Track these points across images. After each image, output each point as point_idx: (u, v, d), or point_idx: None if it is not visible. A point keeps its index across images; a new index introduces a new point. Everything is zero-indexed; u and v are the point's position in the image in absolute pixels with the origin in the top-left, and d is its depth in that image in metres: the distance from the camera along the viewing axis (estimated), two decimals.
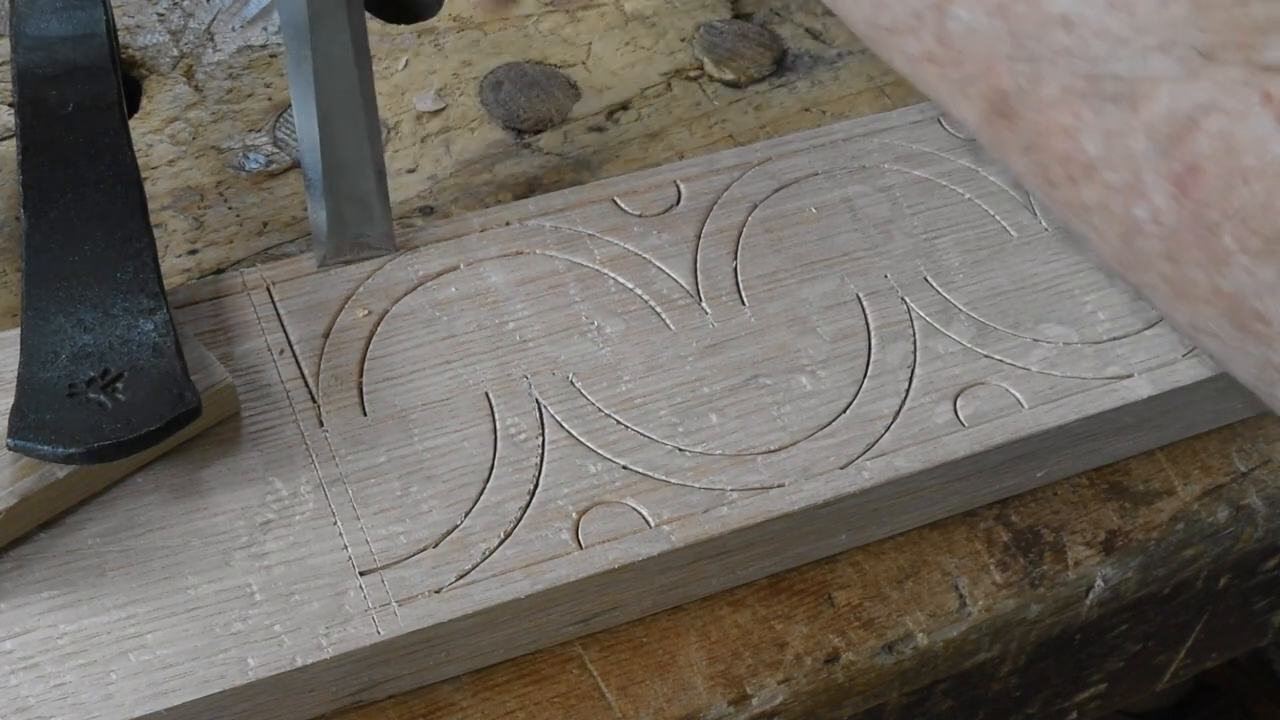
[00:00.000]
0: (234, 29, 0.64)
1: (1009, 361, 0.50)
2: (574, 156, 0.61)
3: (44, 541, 0.44)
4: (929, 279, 0.52)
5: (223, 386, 0.46)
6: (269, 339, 0.49)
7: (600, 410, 0.48)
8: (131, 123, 0.58)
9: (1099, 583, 0.50)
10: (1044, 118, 0.36)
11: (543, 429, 0.47)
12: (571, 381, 0.49)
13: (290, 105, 0.61)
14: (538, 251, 0.52)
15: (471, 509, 0.45)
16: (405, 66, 0.64)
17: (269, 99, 0.62)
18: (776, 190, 0.55)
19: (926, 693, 0.50)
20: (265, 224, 0.57)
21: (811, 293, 0.52)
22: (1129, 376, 0.50)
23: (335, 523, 0.45)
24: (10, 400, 0.44)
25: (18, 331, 0.46)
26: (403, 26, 0.64)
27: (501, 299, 0.51)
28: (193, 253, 0.56)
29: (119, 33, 0.61)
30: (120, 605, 0.43)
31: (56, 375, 0.44)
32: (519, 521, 0.45)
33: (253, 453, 0.46)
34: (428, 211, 0.58)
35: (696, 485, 0.46)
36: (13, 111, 0.58)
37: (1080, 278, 0.53)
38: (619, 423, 0.48)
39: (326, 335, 0.49)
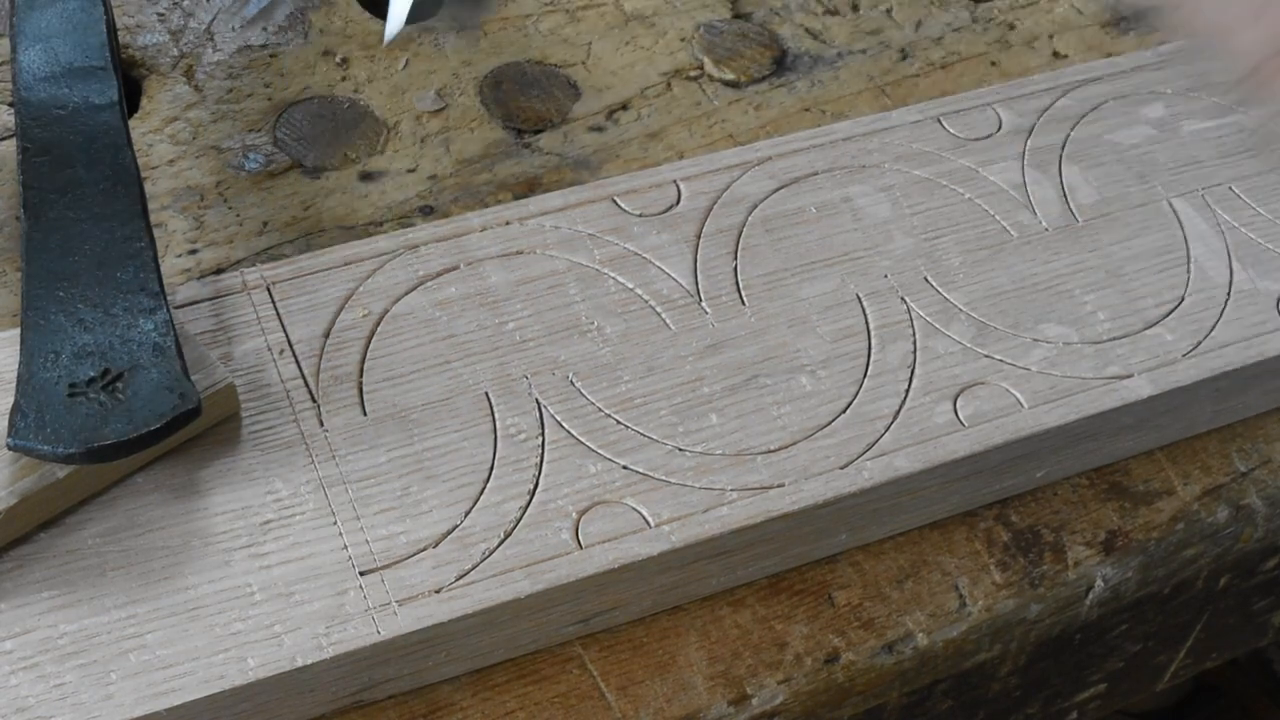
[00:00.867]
0: (234, 29, 0.64)
1: (1009, 361, 0.50)
2: (574, 156, 0.61)
3: (44, 541, 0.44)
4: (929, 279, 0.52)
5: (223, 386, 0.46)
6: (269, 339, 0.49)
7: (600, 410, 0.48)
8: (131, 123, 0.58)
9: (1099, 583, 0.50)
10: None
11: (543, 429, 0.47)
12: (571, 381, 0.49)
13: (289, 105, 0.61)
14: (538, 251, 0.52)
15: (471, 509, 0.45)
16: (405, 66, 0.64)
17: (269, 99, 0.62)
18: (776, 190, 0.55)
19: (926, 693, 0.50)
20: (265, 224, 0.57)
21: (811, 292, 0.52)
22: (1129, 376, 0.50)
23: (335, 523, 0.45)
24: (10, 400, 0.44)
25: (18, 331, 0.46)
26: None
27: (501, 299, 0.51)
28: (193, 253, 0.56)
29: (119, 33, 0.61)
30: (120, 605, 0.43)
31: (56, 375, 0.44)
32: (519, 521, 0.45)
33: (253, 453, 0.46)
34: (428, 211, 0.58)
35: (696, 485, 0.46)
36: (12, 111, 0.58)
37: (1080, 278, 0.53)
38: (619, 423, 0.48)
39: (326, 335, 0.49)
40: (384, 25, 0.62)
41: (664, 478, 0.47)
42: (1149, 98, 0.60)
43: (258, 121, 0.61)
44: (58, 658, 0.42)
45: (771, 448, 0.48)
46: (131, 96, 0.61)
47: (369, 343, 0.49)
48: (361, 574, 0.44)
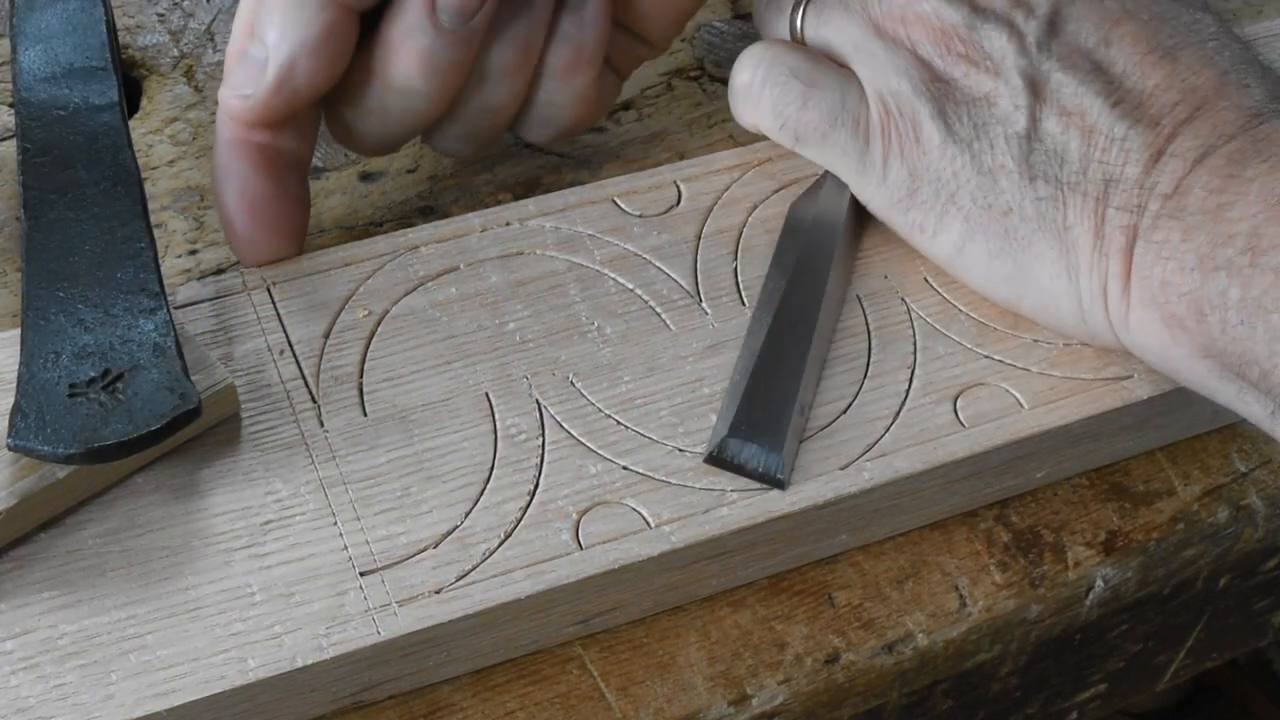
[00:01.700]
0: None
1: (1009, 362, 0.50)
2: (574, 156, 0.61)
3: (44, 541, 0.44)
4: (929, 279, 0.52)
5: (223, 387, 0.46)
6: (269, 339, 0.49)
7: (600, 410, 0.48)
8: (131, 123, 0.58)
9: (1099, 583, 0.50)
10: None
11: (543, 429, 0.47)
12: (571, 382, 0.49)
13: None
14: (538, 252, 0.52)
15: (472, 509, 0.45)
16: None
17: None
18: (777, 190, 0.55)
19: (926, 693, 0.50)
20: None
21: None
22: (1129, 377, 0.50)
23: (335, 523, 0.45)
24: (10, 400, 0.44)
25: (18, 331, 0.46)
26: None
27: (502, 299, 0.51)
28: (193, 253, 0.56)
29: (119, 33, 0.61)
30: (120, 606, 0.43)
31: (57, 375, 0.44)
32: (519, 522, 0.45)
33: (253, 453, 0.46)
34: (428, 211, 0.58)
35: (697, 486, 0.46)
36: (13, 111, 0.58)
37: None
38: (619, 423, 0.48)
39: (327, 335, 0.49)
40: None
41: (664, 478, 0.47)
42: None
43: None
44: (58, 658, 0.42)
45: None
46: (132, 97, 0.61)
47: (369, 343, 0.49)
48: (362, 574, 0.44)
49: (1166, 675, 0.61)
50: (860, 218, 0.53)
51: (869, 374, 0.50)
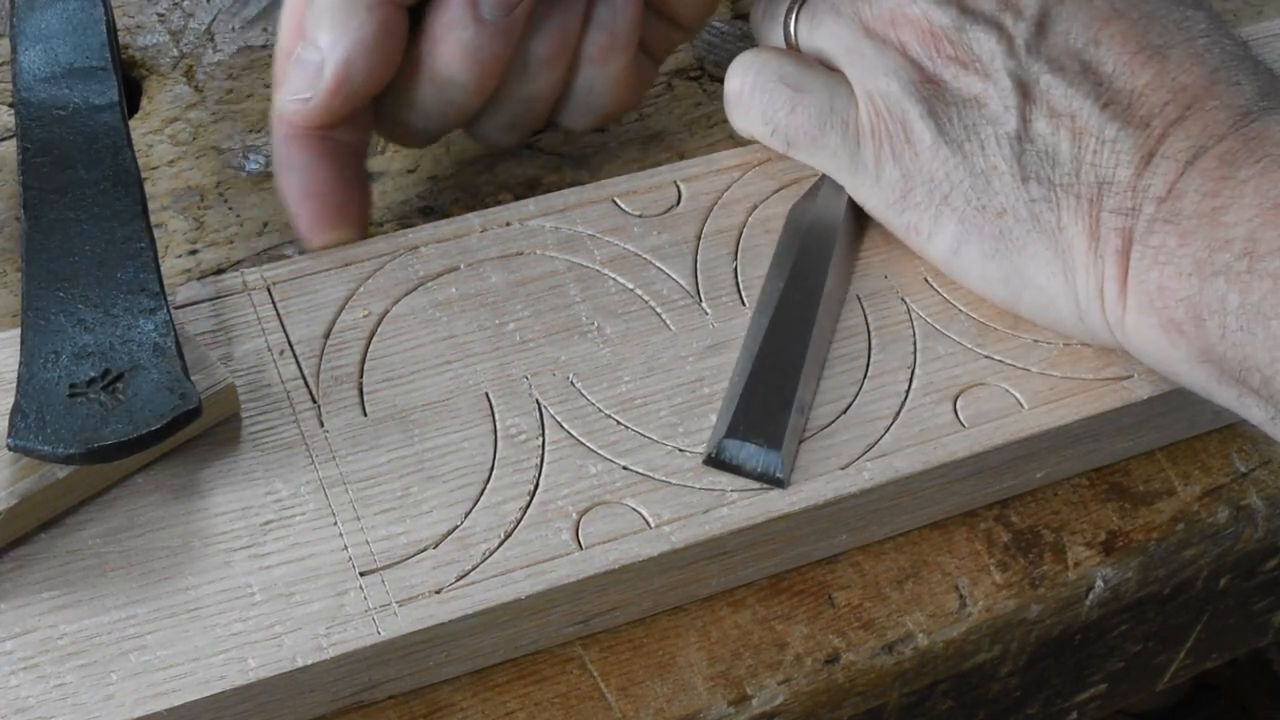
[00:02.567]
0: (234, 29, 0.64)
1: (1009, 361, 0.50)
2: (574, 156, 0.61)
3: (44, 541, 0.44)
4: (929, 279, 0.52)
5: (223, 387, 0.46)
6: (269, 339, 0.49)
7: (600, 410, 0.48)
8: (131, 123, 0.58)
9: (1099, 583, 0.50)
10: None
11: (543, 429, 0.47)
12: (571, 382, 0.49)
13: None
14: (538, 252, 0.52)
15: (472, 509, 0.45)
16: None
17: (269, 99, 0.62)
18: (777, 190, 0.55)
19: (926, 693, 0.50)
20: (265, 224, 0.57)
21: None
22: (1129, 377, 0.50)
23: (335, 523, 0.45)
24: (10, 400, 0.44)
25: (18, 331, 0.46)
26: None
27: (502, 299, 0.51)
28: (193, 253, 0.56)
29: (119, 33, 0.61)
30: (120, 606, 0.43)
31: (57, 375, 0.44)
32: (519, 522, 0.45)
33: (253, 453, 0.46)
34: (428, 211, 0.58)
35: (697, 486, 0.46)
36: (13, 112, 0.58)
37: None
38: (619, 423, 0.48)
39: (327, 335, 0.49)
40: None
41: (664, 478, 0.47)
42: None
43: (258, 122, 0.61)
44: (58, 658, 0.42)
45: None
46: (132, 97, 0.61)
47: (369, 343, 0.49)
48: (362, 574, 0.44)
49: (1166, 675, 0.61)
50: (860, 218, 0.53)
51: (869, 374, 0.50)
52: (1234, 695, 1.10)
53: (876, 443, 0.48)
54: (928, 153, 0.50)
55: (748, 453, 0.46)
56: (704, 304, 0.51)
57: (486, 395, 0.48)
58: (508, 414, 0.48)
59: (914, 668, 0.48)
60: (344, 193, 0.52)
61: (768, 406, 0.47)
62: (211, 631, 0.42)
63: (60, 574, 0.43)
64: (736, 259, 0.53)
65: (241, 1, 0.65)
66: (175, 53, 0.63)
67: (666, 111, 0.63)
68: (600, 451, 0.47)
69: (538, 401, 0.48)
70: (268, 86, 0.62)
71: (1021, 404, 0.49)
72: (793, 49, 0.55)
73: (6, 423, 0.43)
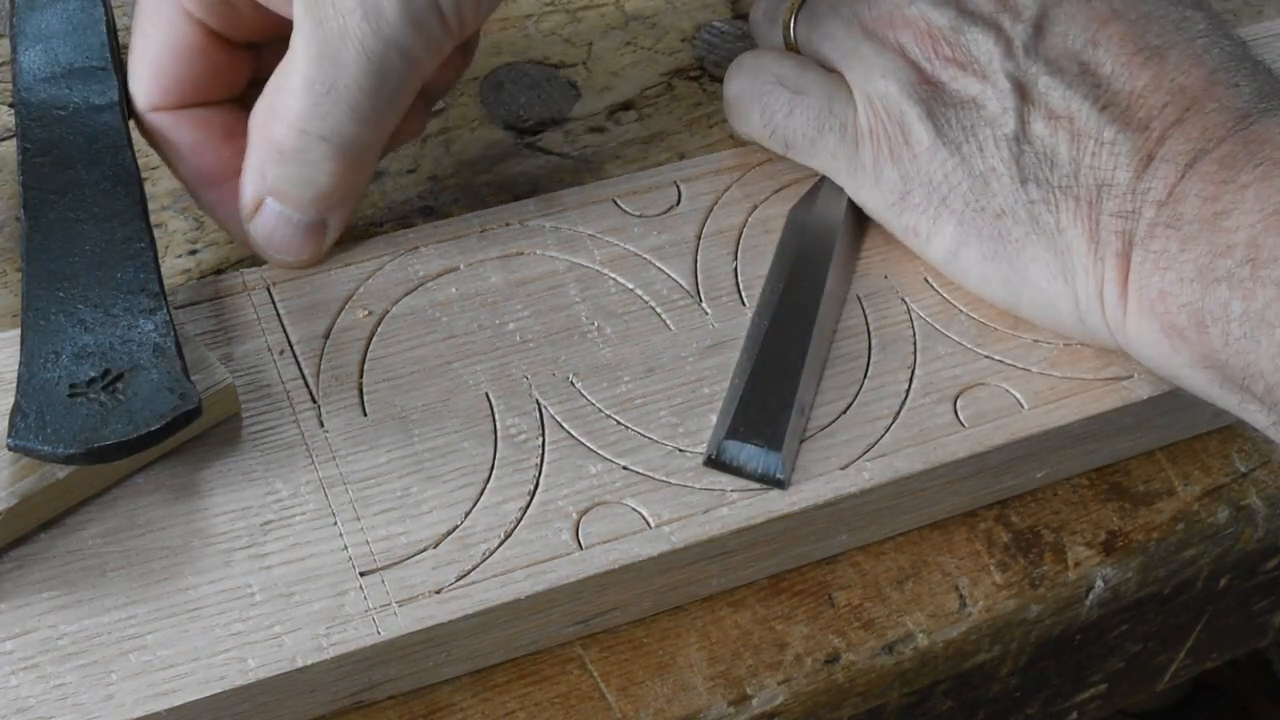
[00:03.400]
0: None
1: (1009, 362, 0.50)
2: (574, 156, 0.61)
3: (44, 541, 0.44)
4: (929, 279, 0.52)
5: (223, 387, 0.46)
6: (269, 339, 0.49)
7: (600, 410, 0.48)
8: (132, 123, 0.58)
9: (1099, 583, 0.50)
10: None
11: (543, 429, 0.47)
12: (571, 382, 0.49)
13: None
14: (538, 252, 0.52)
15: (471, 509, 0.45)
16: None
17: None
18: (777, 190, 0.55)
19: (926, 693, 0.50)
20: None
21: None
22: (1129, 377, 0.50)
23: (335, 523, 0.45)
24: (10, 400, 0.44)
25: (18, 331, 0.46)
26: None
27: (502, 299, 0.51)
28: (193, 253, 0.56)
29: (119, 33, 0.61)
30: (120, 606, 0.43)
31: (57, 375, 0.44)
32: (519, 522, 0.45)
33: (253, 453, 0.46)
34: (428, 212, 0.58)
35: (697, 486, 0.46)
36: (13, 112, 0.58)
37: None
38: (619, 423, 0.48)
39: (327, 335, 0.49)
40: None
41: (664, 478, 0.47)
42: None
43: None
44: (58, 658, 0.42)
45: None
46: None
47: (369, 343, 0.49)
48: (362, 574, 0.44)
49: (1166, 675, 0.61)
50: (860, 219, 0.53)
51: (869, 374, 0.50)
52: (1234, 695, 1.10)
53: (876, 443, 0.48)
54: (926, 154, 0.50)
55: (748, 454, 0.46)
56: (704, 304, 0.51)
57: (486, 395, 0.48)
58: (508, 414, 0.48)
59: (914, 668, 0.48)
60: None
61: (768, 408, 0.47)
62: (211, 631, 0.42)
63: (60, 574, 0.43)
64: (736, 259, 0.53)
65: None
66: None
67: (666, 111, 0.63)
68: (600, 451, 0.47)
69: (538, 401, 0.48)
70: None
71: (1021, 404, 0.49)
72: (792, 50, 0.55)
73: (6, 423, 0.43)
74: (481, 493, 0.46)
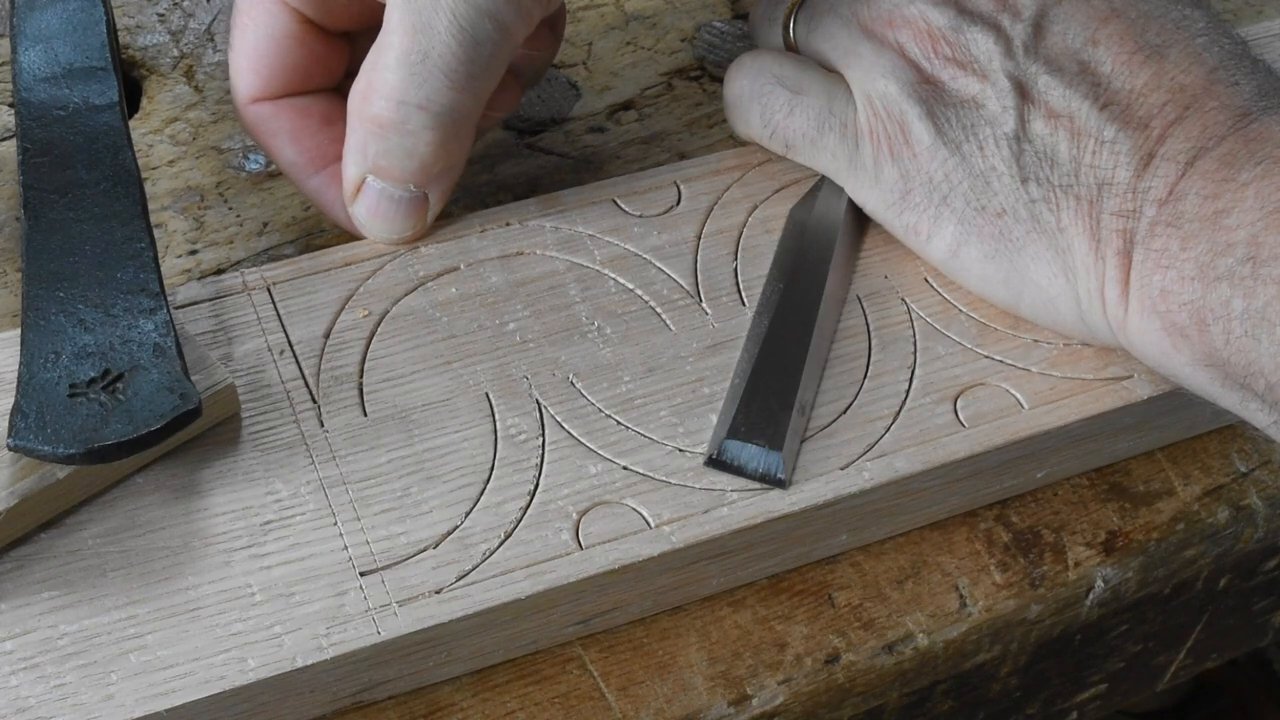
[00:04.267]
0: None
1: (1009, 362, 0.50)
2: (574, 156, 0.61)
3: (44, 542, 0.44)
4: (929, 279, 0.52)
5: (223, 387, 0.46)
6: (269, 339, 0.49)
7: (600, 410, 0.48)
8: (132, 123, 0.58)
9: (1099, 583, 0.50)
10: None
11: (543, 429, 0.47)
12: (571, 382, 0.49)
13: None
14: (538, 252, 0.52)
15: (472, 509, 0.45)
16: None
17: None
18: (777, 190, 0.55)
19: (927, 693, 0.50)
20: (265, 224, 0.57)
21: None
22: (1129, 377, 0.50)
23: (335, 523, 0.45)
24: (10, 400, 0.44)
25: (18, 331, 0.46)
26: None
27: (502, 299, 0.51)
28: (193, 253, 0.56)
29: (119, 33, 0.61)
30: (120, 606, 0.43)
31: (57, 375, 0.44)
32: (519, 522, 0.45)
33: (253, 453, 0.46)
34: None
35: (697, 486, 0.46)
36: (13, 112, 0.58)
37: None
38: (619, 423, 0.48)
39: (327, 335, 0.49)
40: None
41: (664, 478, 0.47)
42: None
43: None
44: (58, 658, 0.42)
45: None
46: (132, 97, 0.61)
47: (369, 343, 0.49)
48: (362, 574, 0.44)
49: (1166, 675, 0.61)
50: (860, 219, 0.53)
51: (869, 374, 0.50)
52: (1234, 695, 1.10)
53: (876, 443, 0.48)
54: (926, 154, 0.50)
55: (749, 454, 0.46)
56: (704, 304, 0.51)
57: (486, 395, 0.48)
58: (508, 414, 0.48)
59: (914, 668, 0.48)
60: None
61: (769, 408, 0.47)
62: (211, 631, 0.42)
63: (60, 574, 0.43)
64: (736, 259, 0.53)
65: None
66: (175, 53, 0.63)
67: (666, 111, 0.63)
68: (600, 451, 0.47)
69: (538, 401, 0.48)
70: None
71: (1021, 404, 0.49)
72: (792, 50, 0.55)
73: (6, 423, 0.43)
74: (481, 493, 0.46)
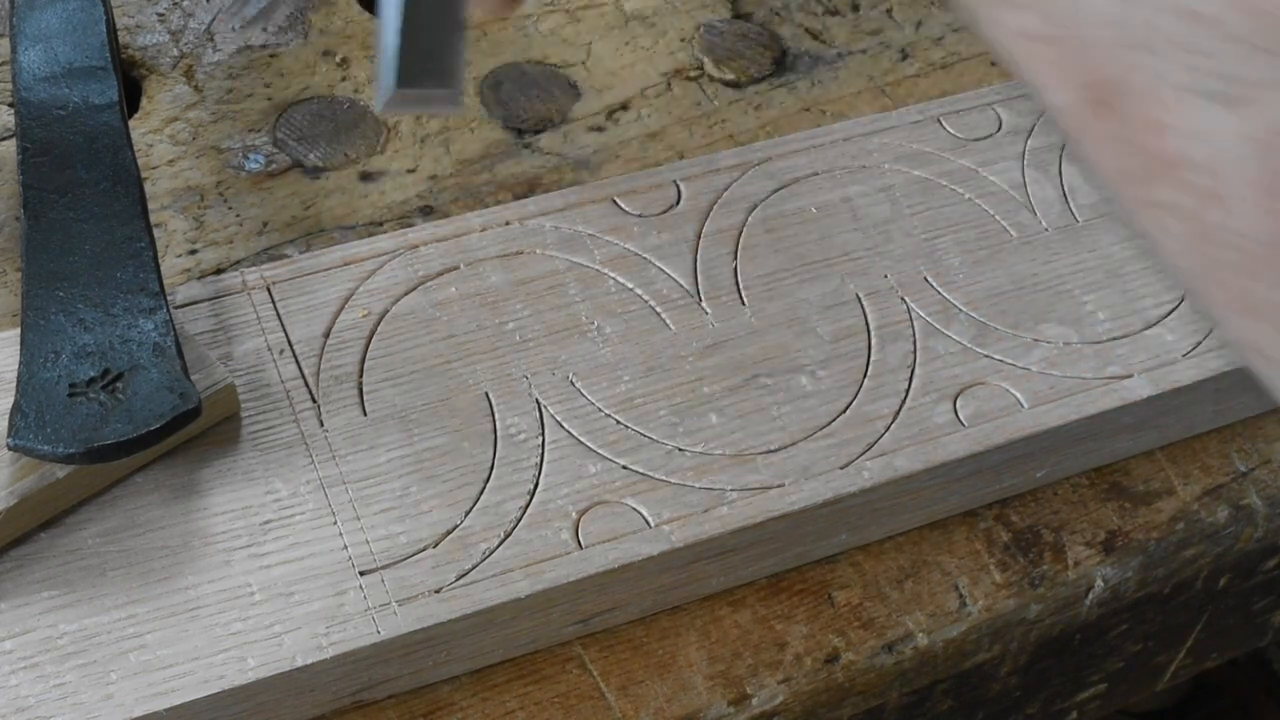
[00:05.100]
0: (234, 29, 0.64)
1: (1009, 361, 0.50)
2: (574, 156, 0.61)
3: (44, 541, 0.44)
4: (929, 279, 0.52)
5: (223, 386, 0.46)
6: (269, 339, 0.49)
7: (600, 410, 0.48)
8: (131, 123, 0.58)
9: (1099, 583, 0.50)
10: (1137, 109, 0.34)
11: (543, 429, 0.47)
12: (571, 381, 0.49)
13: (289, 105, 0.61)
14: (538, 251, 0.52)
15: (471, 509, 0.45)
16: None
17: (269, 99, 0.62)
18: (776, 190, 0.55)
19: (926, 693, 0.50)
20: (265, 224, 0.57)
21: (811, 293, 0.52)
22: (1129, 376, 0.50)
23: (335, 523, 0.45)
24: (10, 400, 0.44)
25: (18, 331, 0.46)
26: None
27: (501, 299, 0.51)
28: (193, 253, 0.56)
29: (119, 33, 0.61)
30: (120, 605, 0.43)
31: (57, 375, 0.44)
32: (519, 521, 0.45)
33: (253, 453, 0.46)
34: (428, 211, 0.58)
35: (696, 485, 0.46)
36: (13, 111, 0.58)
37: (1080, 278, 0.53)
38: (619, 423, 0.48)
39: (326, 335, 0.49)
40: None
41: (664, 478, 0.47)
42: None
43: (258, 122, 0.61)
44: (58, 658, 0.42)
45: (771, 448, 0.48)
46: (131, 96, 0.61)
47: (369, 343, 0.49)
48: (361, 574, 0.44)
49: (1166, 675, 0.61)
50: None
51: (869, 374, 0.50)
52: (1234, 695, 1.10)
53: (876, 442, 0.48)
54: None
55: (425, 91, 0.41)
56: (704, 304, 0.51)
57: (486, 395, 0.48)
58: (508, 414, 0.48)
59: (914, 667, 0.48)
60: None
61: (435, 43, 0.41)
62: (211, 631, 0.42)
63: (60, 574, 0.43)
64: (736, 259, 0.53)
65: (241, 1, 0.65)
66: (175, 53, 0.63)
67: (666, 111, 0.63)
68: (600, 451, 0.47)
69: (537, 401, 0.48)
70: (268, 86, 0.62)
71: (1021, 404, 0.49)
72: None
73: (6, 423, 0.43)
74: (481, 492, 0.46)
